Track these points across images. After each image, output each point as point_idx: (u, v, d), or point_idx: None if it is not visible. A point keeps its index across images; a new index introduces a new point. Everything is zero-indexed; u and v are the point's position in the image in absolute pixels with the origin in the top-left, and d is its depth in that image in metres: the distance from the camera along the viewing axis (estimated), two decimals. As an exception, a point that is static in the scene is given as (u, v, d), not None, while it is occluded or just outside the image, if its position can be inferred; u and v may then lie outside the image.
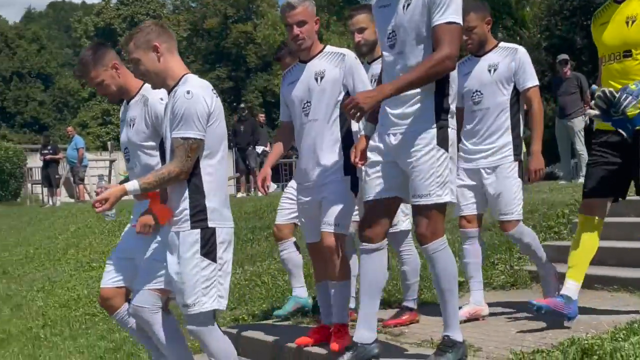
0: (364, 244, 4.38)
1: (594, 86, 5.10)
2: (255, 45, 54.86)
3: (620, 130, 4.73)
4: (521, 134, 5.62)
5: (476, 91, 5.59)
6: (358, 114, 4.07)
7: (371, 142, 4.48)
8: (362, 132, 4.72)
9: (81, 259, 12.95)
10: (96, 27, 60.27)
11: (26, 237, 17.26)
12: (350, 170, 4.87)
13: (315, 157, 4.93)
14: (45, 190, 24.35)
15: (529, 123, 5.64)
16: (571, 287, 5.09)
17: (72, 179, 23.75)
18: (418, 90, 4.19)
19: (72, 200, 23.91)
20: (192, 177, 4.20)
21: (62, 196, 24.08)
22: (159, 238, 4.54)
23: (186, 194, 4.21)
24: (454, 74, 4.27)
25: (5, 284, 13.02)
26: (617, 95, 4.64)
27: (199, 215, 4.19)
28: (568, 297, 5.03)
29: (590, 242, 5.15)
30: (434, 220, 4.23)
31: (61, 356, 8.00)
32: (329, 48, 5.04)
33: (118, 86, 5.01)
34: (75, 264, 12.74)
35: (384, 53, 4.42)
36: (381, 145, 4.38)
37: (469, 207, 5.65)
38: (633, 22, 4.97)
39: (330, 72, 4.91)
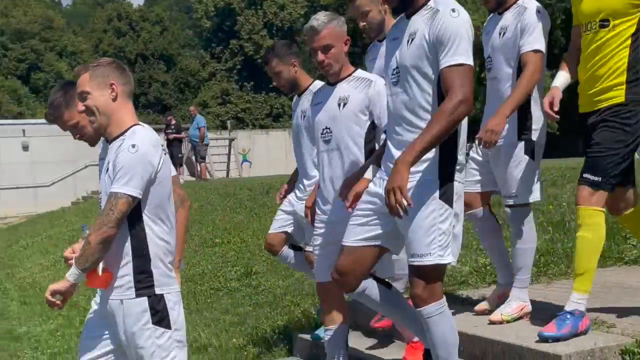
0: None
1: None
2: (371, 20, 54.69)
3: None
4: (531, 110, 4.86)
5: (488, 57, 4.99)
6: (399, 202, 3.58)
7: (371, 185, 4.07)
8: (366, 175, 4.18)
9: (205, 236, 13.19)
10: (216, 7, 61.21)
11: (152, 214, 17.74)
12: None
13: (333, 191, 4.49)
14: (169, 168, 24.96)
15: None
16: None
17: (193, 157, 24.30)
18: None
19: (193, 179, 24.47)
20: (135, 239, 3.71)
21: (184, 175, 24.66)
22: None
23: (129, 257, 3.74)
24: (464, 123, 3.81)
25: (133, 259, 13.42)
26: None
27: (144, 282, 3.72)
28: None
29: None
30: (432, 281, 3.80)
31: (188, 329, 8.11)
32: (358, 72, 4.61)
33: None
34: (199, 240, 12.99)
35: (388, 89, 4.00)
36: (381, 192, 3.88)
37: (469, 185, 4.98)
38: None
39: (354, 98, 4.49)
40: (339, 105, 4.48)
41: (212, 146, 24.26)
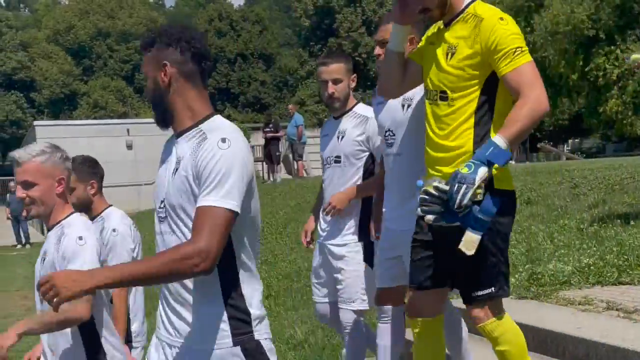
0: None
1: (419, 181, 3.55)
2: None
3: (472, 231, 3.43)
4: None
5: (388, 130, 4.38)
6: None
7: None
8: None
9: (301, 234, 13.23)
10: (315, 5, 61.56)
11: (250, 211, 17.92)
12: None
13: None
14: (266, 167, 25.23)
15: None
16: None
17: (291, 155, 24.46)
18: (191, 295, 2.97)
19: (290, 177, 24.63)
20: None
21: (281, 172, 24.85)
22: None
23: None
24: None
25: (231, 255, 13.57)
26: (446, 188, 3.38)
27: None
28: None
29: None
30: None
31: (284, 325, 8.19)
32: (71, 219, 3.76)
33: None
34: (296, 237, 13.02)
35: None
36: None
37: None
38: (452, 54, 3.68)
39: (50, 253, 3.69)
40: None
41: (309, 144, 24.32)
